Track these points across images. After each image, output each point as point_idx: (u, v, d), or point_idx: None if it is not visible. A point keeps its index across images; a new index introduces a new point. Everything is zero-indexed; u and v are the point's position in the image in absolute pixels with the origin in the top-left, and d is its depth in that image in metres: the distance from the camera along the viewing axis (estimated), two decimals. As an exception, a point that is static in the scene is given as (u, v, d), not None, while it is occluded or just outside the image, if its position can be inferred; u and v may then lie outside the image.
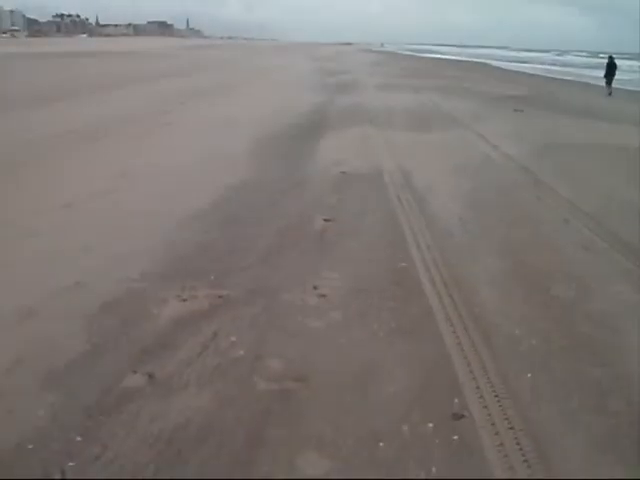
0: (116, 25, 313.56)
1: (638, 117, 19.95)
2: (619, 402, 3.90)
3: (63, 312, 4.91)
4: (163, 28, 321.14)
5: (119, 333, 4.58)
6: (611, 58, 31.53)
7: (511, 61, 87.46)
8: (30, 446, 3.25)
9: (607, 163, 11.81)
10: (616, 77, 31.09)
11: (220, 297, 5.21)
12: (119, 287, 5.37)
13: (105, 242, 6.54)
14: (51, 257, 6.09)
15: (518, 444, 3.43)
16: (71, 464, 3.13)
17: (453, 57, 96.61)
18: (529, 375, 4.15)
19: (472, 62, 76.93)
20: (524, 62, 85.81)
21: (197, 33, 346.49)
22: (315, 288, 5.43)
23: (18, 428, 3.39)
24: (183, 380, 3.96)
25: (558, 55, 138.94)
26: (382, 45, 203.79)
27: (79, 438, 3.34)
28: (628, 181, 10.22)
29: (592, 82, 31.88)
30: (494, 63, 74.15)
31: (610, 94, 29.82)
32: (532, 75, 50.71)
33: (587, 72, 47.06)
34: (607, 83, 30.89)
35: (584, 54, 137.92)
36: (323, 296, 5.28)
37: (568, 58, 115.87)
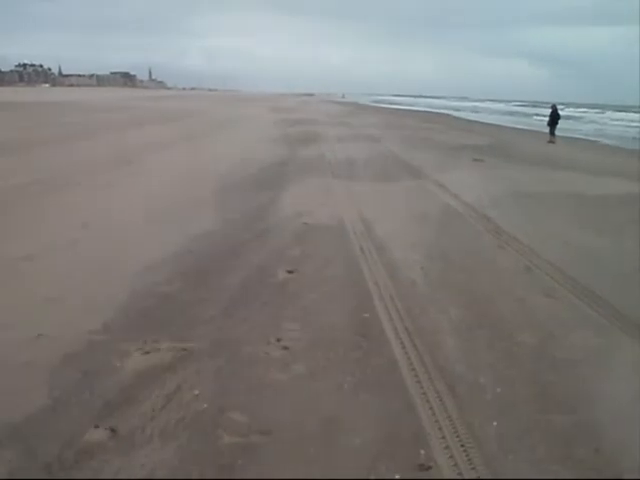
0: (79, 75, 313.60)
1: (589, 165, 20.69)
2: (585, 450, 3.97)
3: (24, 365, 4.86)
4: (126, 79, 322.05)
5: (81, 386, 4.55)
6: (554, 107, 32.73)
7: (468, 111, 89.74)
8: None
9: (565, 211, 12.10)
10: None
11: (183, 350, 5.21)
12: (81, 339, 5.34)
13: (67, 294, 6.49)
14: (12, 309, 6.04)
15: (486, 494, 3.47)
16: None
17: (413, 107, 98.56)
18: (495, 424, 4.21)
19: (431, 112, 78.45)
20: (480, 112, 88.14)
21: (160, 84, 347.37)
22: (278, 340, 5.46)
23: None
24: (146, 434, 3.95)
25: (513, 105, 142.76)
26: (343, 96, 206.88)
27: (38, 497, 3.29)
28: (585, 228, 10.51)
29: (545, 130, 32.85)
30: (453, 113, 75.88)
31: (553, 142, 30.81)
32: (489, 125, 51.98)
33: (538, 121, 48.65)
34: (550, 132, 32.00)
35: (534, 104, 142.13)
36: (286, 348, 5.31)
37: (520, 108, 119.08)
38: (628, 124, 62.42)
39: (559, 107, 33.80)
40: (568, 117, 62.13)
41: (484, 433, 4.10)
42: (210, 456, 3.76)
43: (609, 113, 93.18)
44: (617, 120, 70.18)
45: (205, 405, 4.35)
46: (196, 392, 4.52)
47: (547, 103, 38.37)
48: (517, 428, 4.19)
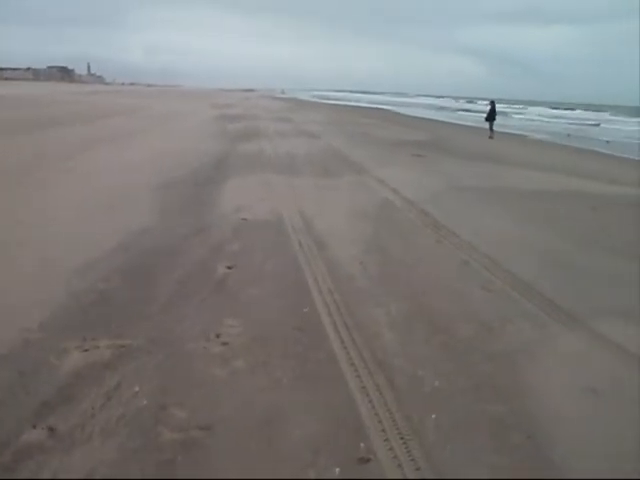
0: (14, 69, 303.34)
1: (526, 160, 21.29)
2: (519, 437, 4.09)
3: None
4: (64, 73, 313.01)
5: (17, 387, 4.46)
6: (493, 103, 33.61)
7: (409, 106, 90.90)
8: None
9: (503, 206, 12.39)
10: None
11: (122, 347, 5.16)
12: (17, 339, 5.22)
13: (1, 293, 6.34)
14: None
15: (425, 485, 3.54)
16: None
17: (353, 103, 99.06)
18: (433, 416, 4.29)
19: (372, 108, 79.11)
20: (421, 107, 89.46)
21: (99, 79, 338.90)
22: (218, 336, 5.45)
23: None
24: (86, 433, 3.90)
25: (454, 101, 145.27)
26: (283, 92, 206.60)
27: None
28: (523, 223, 10.79)
29: (485, 126, 33.62)
30: (393, 109, 76.64)
31: (491, 137, 31.56)
32: (429, 120, 52.81)
33: (479, 117, 49.86)
34: (490, 127, 32.81)
35: (475, 99, 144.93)
36: (226, 344, 5.30)
37: (459, 104, 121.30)
38: (565, 120, 64.34)
39: (499, 104, 34.63)
40: (507, 113, 63.69)
41: (423, 425, 4.17)
42: (150, 453, 3.74)
43: (548, 110, 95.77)
44: (555, 117, 72.20)
45: (145, 402, 4.32)
46: (136, 389, 4.48)
47: (487, 99, 39.24)
48: (455, 419, 4.27)
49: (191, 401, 4.36)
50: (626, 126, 59.19)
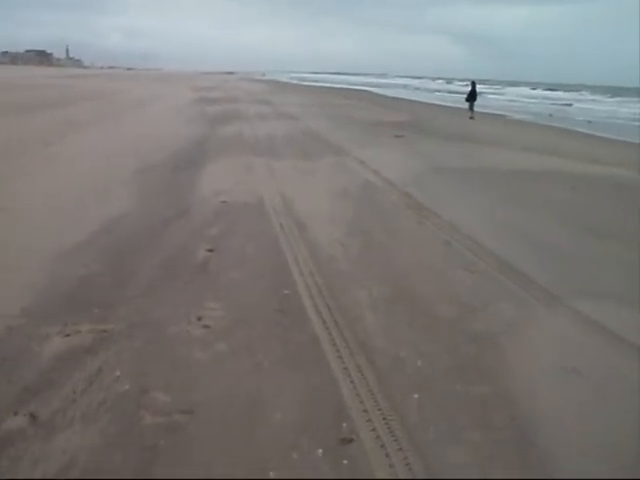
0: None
1: (507, 140, 21.42)
2: (503, 418, 4.11)
3: None
4: (42, 57, 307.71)
5: (-1, 373, 4.43)
6: (473, 84, 33.73)
7: (388, 87, 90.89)
8: None
9: (484, 186, 12.43)
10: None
11: (104, 331, 5.14)
12: (-2, 325, 5.20)
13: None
14: None
15: (408, 464, 3.57)
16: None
17: (333, 85, 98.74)
18: (416, 396, 4.30)
19: (351, 89, 78.92)
20: (400, 88, 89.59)
21: (77, 62, 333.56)
22: (199, 319, 5.44)
23: None
24: (67, 418, 3.89)
25: (432, 81, 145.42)
26: (263, 74, 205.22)
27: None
28: (504, 203, 10.84)
29: (464, 107, 33.79)
30: (373, 90, 76.53)
31: (472, 118, 31.68)
32: (409, 101, 52.81)
33: (458, 97, 49.97)
34: (470, 107, 32.95)
35: (453, 80, 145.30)
36: (207, 327, 5.30)
37: (439, 85, 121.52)
38: (541, 101, 64.67)
39: (479, 85, 34.78)
40: (486, 94, 63.86)
41: (405, 405, 4.18)
42: (133, 437, 3.73)
43: (528, 90, 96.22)
44: (533, 98, 72.55)
45: (127, 386, 4.30)
46: (117, 373, 4.47)
47: (465, 80, 39.28)
48: (437, 399, 4.29)
49: (173, 385, 4.34)
50: (600, 105, 59.99)
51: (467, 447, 3.77)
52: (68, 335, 5.05)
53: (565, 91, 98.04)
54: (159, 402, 4.12)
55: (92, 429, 3.79)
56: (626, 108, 55.19)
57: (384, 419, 3.99)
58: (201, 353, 4.85)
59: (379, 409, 4.10)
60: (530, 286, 6.63)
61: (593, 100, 73.10)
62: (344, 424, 3.92)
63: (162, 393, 4.22)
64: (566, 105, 58.35)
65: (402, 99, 56.49)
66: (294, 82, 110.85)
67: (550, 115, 41.80)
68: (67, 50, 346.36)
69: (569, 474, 3.57)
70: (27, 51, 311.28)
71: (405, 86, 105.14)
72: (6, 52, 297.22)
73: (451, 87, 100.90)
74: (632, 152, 19.56)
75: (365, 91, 72.98)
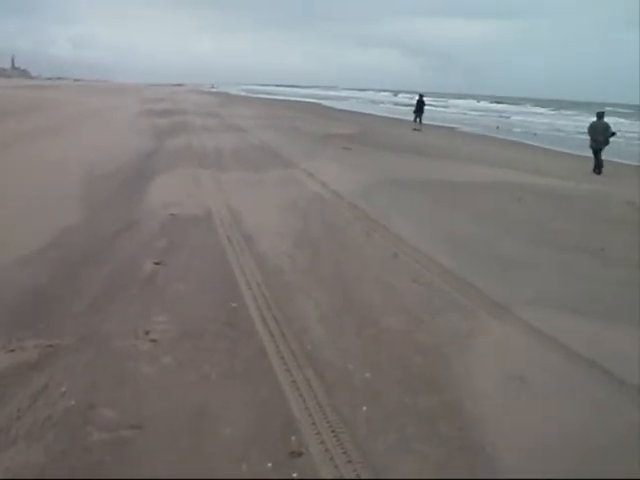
0: None
1: (455, 152, 21.80)
2: (451, 427, 4.16)
3: None
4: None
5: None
6: (420, 96, 34.32)
7: (337, 100, 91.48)
8: None
9: (432, 198, 12.58)
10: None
11: (50, 346, 5.07)
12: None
13: None
14: None
15: (357, 476, 3.57)
16: None
17: (283, 97, 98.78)
18: (364, 408, 4.32)
19: (301, 102, 79.17)
20: (349, 101, 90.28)
21: (24, 73, 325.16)
22: (147, 333, 5.40)
23: None
24: (11, 436, 3.82)
25: (380, 94, 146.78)
26: (213, 86, 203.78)
27: None
28: (451, 214, 10.99)
29: (412, 119, 34.31)
30: (322, 102, 76.91)
31: (419, 130, 32.22)
32: (358, 113, 53.19)
33: (406, 110, 50.74)
34: (416, 119, 33.51)
35: (401, 92, 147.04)
36: (155, 341, 5.26)
37: (386, 96, 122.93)
38: (488, 114, 66.01)
39: (427, 97, 35.38)
40: (434, 106, 64.83)
41: (354, 417, 4.20)
42: (79, 454, 3.68)
43: (474, 103, 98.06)
44: (477, 110, 73.99)
45: (73, 402, 4.24)
46: (63, 389, 4.40)
47: (414, 92, 39.73)
48: (386, 411, 4.32)
49: (120, 400, 4.30)
50: (541, 118, 62.38)
51: (416, 457, 3.80)
52: (12, 350, 4.97)
53: (509, 104, 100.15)
54: (106, 417, 4.06)
55: (37, 446, 3.73)
56: (564, 120, 56.78)
57: (333, 432, 4.00)
58: (149, 367, 4.81)
59: (328, 422, 4.11)
60: (477, 297, 6.73)
61: (534, 113, 75.19)
62: (293, 437, 3.92)
63: (109, 408, 4.17)
64: (504, 117, 59.86)
65: (350, 111, 56.89)
66: (244, 94, 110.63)
67: (497, 127, 42.63)
68: (13, 60, 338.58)
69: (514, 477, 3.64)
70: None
71: (355, 98, 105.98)
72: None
73: (397, 99, 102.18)
74: (572, 163, 20.10)
75: (314, 103, 73.31)
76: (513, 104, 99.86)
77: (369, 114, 53.14)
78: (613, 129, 19.25)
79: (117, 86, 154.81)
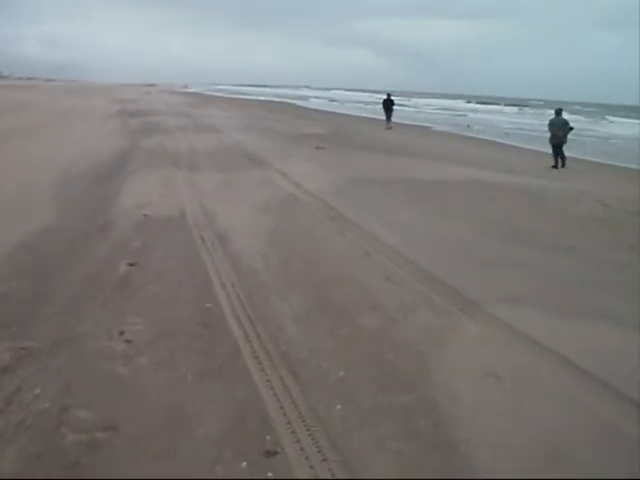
0: None
1: (427, 150, 22.00)
2: (426, 424, 4.18)
3: None
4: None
5: None
6: (388, 95, 34.47)
7: (310, 99, 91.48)
8: None
9: (404, 196, 12.63)
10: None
11: (23, 349, 5.04)
12: None
13: None
14: None
15: (332, 475, 3.59)
16: None
17: (256, 97, 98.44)
18: (339, 407, 4.34)
19: (274, 101, 79.06)
20: (323, 100, 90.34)
21: None
22: (121, 334, 5.39)
23: None
24: (-16, 440, 3.78)
25: (354, 92, 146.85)
26: (185, 86, 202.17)
27: None
28: (424, 212, 11.05)
29: (383, 118, 34.43)
30: (295, 102, 76.84)
31: (390, 128, 32.33)
32: (331, 113, 53.26)
33: (377, 109, 51.16)
34: (387, 118, 33.66)
35: (372, 91, 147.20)
36: (129, 342, 5.26)
37: (357, 96, 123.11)
38: (461, 112, 66.44)
39: (396, 96, 35.50)
40: (405, 105, 65.19)
41: (329, 416, 4.21)
42: (53, 456, 3.67)
43: (445, 101, 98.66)
44: (447, 109, 74.45)
45: (47, 404, 4.22)
46: (37, 392, 4.38)
47: (384, 91, 39.78)
48: (361, 409, 4.34)
49: (95, 401, 4.29)
50: (506, 117, 63.60)
51: (392, 455, 3.82)
52: (-16, 354, 4.92)
53: (482, 103, 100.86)
54: (81, 419, 4.05)
55: (10, 450, 3.71)
56: (533, 119, 57.33)
57: (308, 431, 4.01)
58: (123, 368, 4.80)
59: (303, 421, 4.12)
60: (450, 294, 6.77)
61: (505, 112, 76.00)
62: (268, 437, 3.93)
63: (84, 410, 4.16)
64: (476, 116, 60.39)
65: (323, 111, 56.92)
66: (217, 94, 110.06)
67: (468, 126, 42.90)
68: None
69: (488, 475, 3.67)
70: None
71: (326, 98, 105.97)
72: None
73: (370, 99, 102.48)
74: (542, 161, 20.23)
75: (287, 103, 73.20)
76: (486, 103, 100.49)
77: (342, 114, 53.22)
78: (571, 124, 19.97)
79: (90, 86, 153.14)
